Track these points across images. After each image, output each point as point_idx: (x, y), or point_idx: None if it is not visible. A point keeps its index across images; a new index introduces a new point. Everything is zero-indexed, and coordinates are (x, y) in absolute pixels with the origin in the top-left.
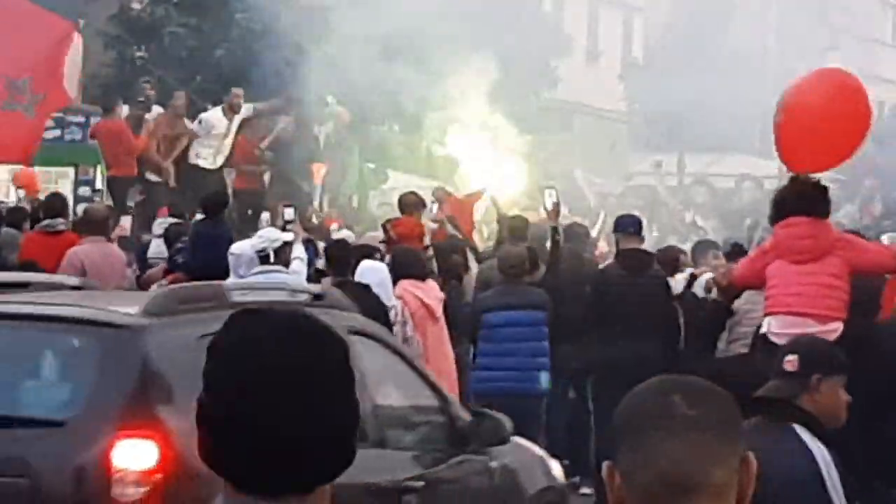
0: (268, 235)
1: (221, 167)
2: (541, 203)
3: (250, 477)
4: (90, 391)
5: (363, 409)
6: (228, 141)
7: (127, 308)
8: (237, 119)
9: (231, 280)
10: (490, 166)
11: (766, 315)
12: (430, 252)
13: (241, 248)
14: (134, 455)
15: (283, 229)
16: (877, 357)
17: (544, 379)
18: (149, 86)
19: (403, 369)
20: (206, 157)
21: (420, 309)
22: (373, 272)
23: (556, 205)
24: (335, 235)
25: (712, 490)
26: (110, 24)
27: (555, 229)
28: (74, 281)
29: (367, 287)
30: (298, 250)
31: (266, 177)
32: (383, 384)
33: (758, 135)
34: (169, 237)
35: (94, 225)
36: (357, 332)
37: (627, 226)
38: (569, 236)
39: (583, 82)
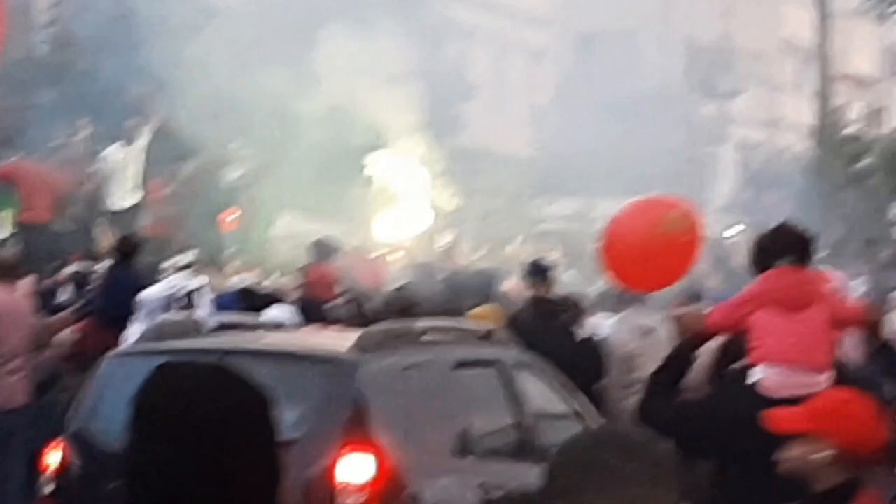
0: (178, 282)
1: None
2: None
3: None
4: (316, 413)
5: (529, 438)
6: (135, 172)
7: (342, 344)
8: (137, 147)
9: (137, 326)
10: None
11: (752, 364)
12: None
13: (150, 293)
14: (355, 468)
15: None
16: None
17: None
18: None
19: (563, 402)
20: (122, 196)
21: None
22: (278, 319)
23: (450, 245)
24: (240, 285)
25: None
26: (15, 69)
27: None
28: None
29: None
30: (205, 297)
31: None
32: (545, 416)
33: (670, 178)
34: (77, 281)
35: (3, 270)
36: (524, 366)
37: (537, 272)
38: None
39: (489, 127)
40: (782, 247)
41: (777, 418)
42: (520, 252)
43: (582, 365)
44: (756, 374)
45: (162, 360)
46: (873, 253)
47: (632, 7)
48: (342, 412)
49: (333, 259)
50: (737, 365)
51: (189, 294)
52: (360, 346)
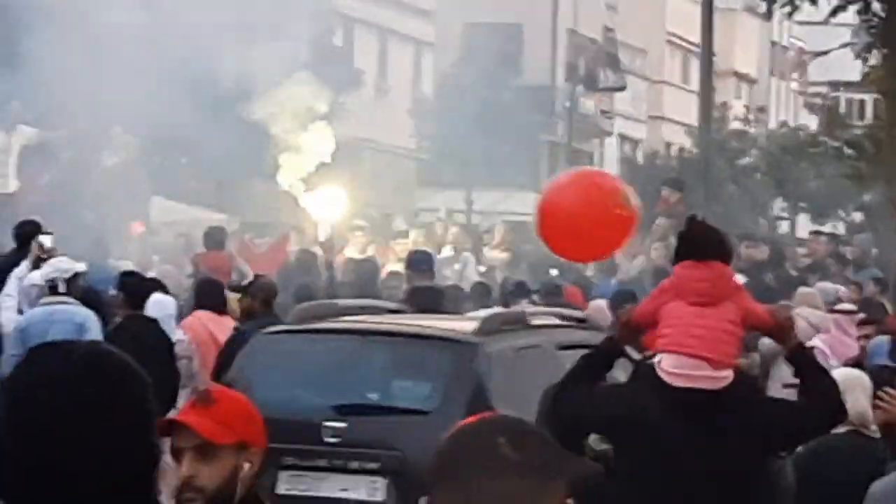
0: (58, 265)
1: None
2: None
3: None
4: (445, 388)
5: None
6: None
7: (465, 327)
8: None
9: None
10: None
11: (658, 352)
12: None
13: (32, 278)
14: None
15: (41, 259)
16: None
17: None
18: None
19: None
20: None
21: (208, 341)
22: (160, 306)
23: (329, 239)
24: (122, 267)
25: None
26: None
27: (328, 264)
28: (392, 305)
29: (154, 321)
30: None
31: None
32: None
33: (553, 171)
34: None
35: None
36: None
37: (418, 263)
38: (357, 274)
39: (372, 117)
40: (692, 242)
41: None
42: (404, 243)
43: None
44: (658, 362)
45: (308, 337)
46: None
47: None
48: (466, 388)
49: (224, 247)
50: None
51: (71, 278)
52: (481, 329)
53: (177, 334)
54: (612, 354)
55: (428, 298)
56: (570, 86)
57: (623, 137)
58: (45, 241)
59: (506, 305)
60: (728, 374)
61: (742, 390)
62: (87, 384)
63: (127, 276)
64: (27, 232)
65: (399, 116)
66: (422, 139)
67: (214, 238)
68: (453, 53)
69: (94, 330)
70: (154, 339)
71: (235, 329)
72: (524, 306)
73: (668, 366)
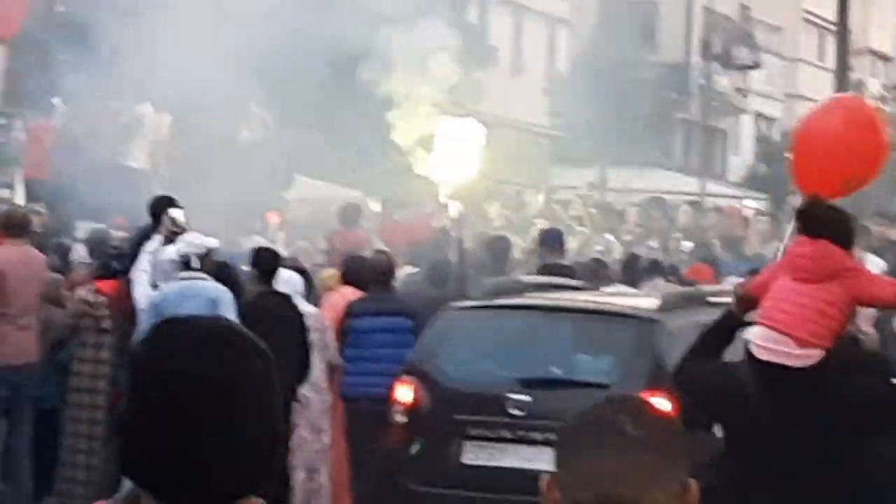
0: (192, 241)
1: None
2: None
3: (170, 489)
4: (626, 363)
5: None
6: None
7: (648, 304)
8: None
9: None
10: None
11: (754, 323)
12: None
13: (167, 253)
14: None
15: (174, 233)
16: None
17: None
18: None
19: None
20: (138, 157)
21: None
22: (289, 282)
23: (459, 216)
24: (250, 243)
25: None
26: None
27: (459, 241)
28: (575, 283)
29: (286, 296)
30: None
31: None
32: None
33: (687, 149)
34: (91, 242)
35: (13, 228)
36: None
37: (551, 240)
38: (493, 250)
39: (507, 95)
40: (805, 219)
41: None
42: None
43: None
44: (750, 333)
45: (495, 313)
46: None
47: None
48: (647, 363)
49: (360, 224)
50: None
51: (205, 254)
52: (663, 306)
53: (307, 308)
54: (732, 326)
55: (558, 275)
56: (705, 63)
57: (758, 115)
58: (177, 215)
59: (633, 283)
60: (814, 353)
61: (837, 370)
62: (211, 360)
63: (260, 251)
64: (161, 207)
65: (533, 94)
66: (556, 116)
67: (349, 215)
68: (588, 30)
69: (226, 306)
70: (286, 314)
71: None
72: (657, 283)
73: (756, 337)
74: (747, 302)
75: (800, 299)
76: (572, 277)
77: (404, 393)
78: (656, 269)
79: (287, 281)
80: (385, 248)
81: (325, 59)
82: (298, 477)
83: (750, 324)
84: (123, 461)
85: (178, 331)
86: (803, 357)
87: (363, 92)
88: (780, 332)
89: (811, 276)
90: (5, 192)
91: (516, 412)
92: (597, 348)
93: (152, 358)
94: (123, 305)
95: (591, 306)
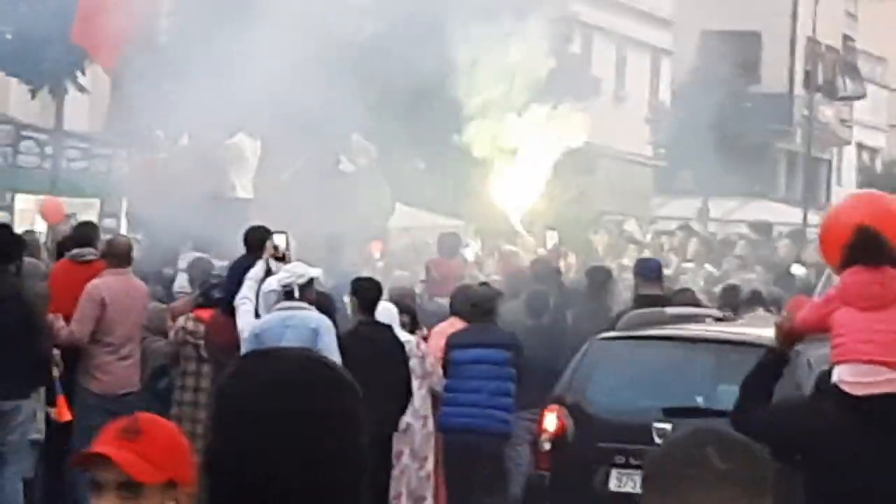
0: (294, 270)
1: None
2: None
3: None
4: None
5: None
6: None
7: None
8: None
9: (252, 315)
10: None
11: (835, 363)
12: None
13: (269, 283)
14: None
15: (277, 259)
16: None
17: (508, 419)
18: None
19: None
20: (244, 185)
21: None
22: (386, 313)
23: (556, 246)
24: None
25: None
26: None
27: (557, 271)
28: (717, 313)
29: (388, 326)
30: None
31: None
32: None
33: (788, 180)
34: (192, 272)
35: (117, 257)
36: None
37: (648, 271)
38: (590, 280)
39: (609, 125)
40: (862, 247)
41: None
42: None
43: None
44: (836, 374)
45: (639, 343)
46: None
47: (756, 6)
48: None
49: (458, 253)
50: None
51: (306, 284)
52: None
53: (405, 336)
54: (779, 365)
55: (654, 306)
56: (809, 94)
57: (861, 146)
58: (280, 241)
59: (735, 312)
60: None
61: None
62: (297, 392)
63: (361, 281)
64: (257, 237)
65: (636, 124)
66: (658, 146)
67: (447, 244)
68: (691, 61)
69: (327, 336)
70: (387, 344)
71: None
72: (758, 314)
73: (847, 375)
74: (794, 339)
75: (878, 326)
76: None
77: (551, 421)
78: (757, 299)
79: (384, 311)
80: (486, 280)
81: (414, 84)
82: None
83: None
84: (211, 494)
85: (263, 364)
86: None
87: (451, 111)
88: (873, 363)
89: (883, 303)
90: (112, 223)
91: (661, 441)
92: (738, 378)
93: (239, 391)
94: (220, 334)
95: (731, 337)
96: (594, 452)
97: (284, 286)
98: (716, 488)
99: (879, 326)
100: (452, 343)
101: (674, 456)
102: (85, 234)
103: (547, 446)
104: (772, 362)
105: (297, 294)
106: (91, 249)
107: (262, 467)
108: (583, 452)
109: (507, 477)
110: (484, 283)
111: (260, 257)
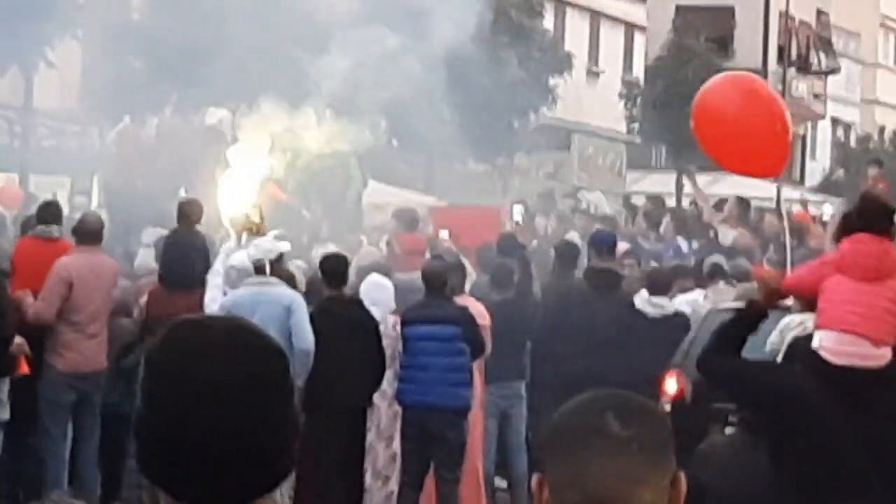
0: (264, 245)
1: None
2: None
3: (187, 490)
4: None
5: None
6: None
7: None
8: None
9: (222, 294)
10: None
11: (817, 329)
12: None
13: (241, 259)
14: None
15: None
16: None
17: (464, 394)
18: None
19: None
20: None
21: None
22: (379, 288)
23: (524, 220)
24: (324, 250)
25: None
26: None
27: (521, 245)
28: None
29: (357, 301)
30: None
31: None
32: None
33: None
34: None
35: (87, 234)
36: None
37: (601, 243)
38: (557, 255)
39: (582, 101)
40: (862, 217)
41: None
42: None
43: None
44: (818, 339)
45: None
46: None
47: None
48: None
49: (416, 228)
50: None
51: (275, 259)
52: None
53: (380, 314)
54: (756, 319)
55: (603, 280)
56: (783, 69)
57: (835, 121)
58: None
59: (701, 286)
60: (887, 353)
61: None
62: (226, 359)
63: (328, 256)
64: (192, 210)
65: (610, 100)
66: (632, 122)
67: (406, 219)
68: (664, 36)
69: (299, 312)
70: (357, 319)
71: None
72: (719, 286)
73: (829, 342)
74: (775, 293)
75: (866, 299)
76: (619, 283)
77: (671, 384)
78: (719, 272)
79: (377, 284)
80: (441, 254)
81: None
82: (370, 483)
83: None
84: (140, 461)
85: (191, 331)
86: (879, 357)
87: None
88: (856, 334)
89: (877, 275)
90: (83, 200)
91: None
92: None
93: (166, 358)
94: (159, 306)
95: None
96: (710, 412)
97: (255, 262)
98: (618, 455)
99: (869, 300)
100: (404, 319)
101: (573, 424)
102: (49, 212)
103: (667, 408)
104: (750, 316)
105: (268, 270)
106: (55, 227)
107: (191, 434)
108: (699, 412)
109: (464, 452)
110: (437, 257)
111: (193, 231)
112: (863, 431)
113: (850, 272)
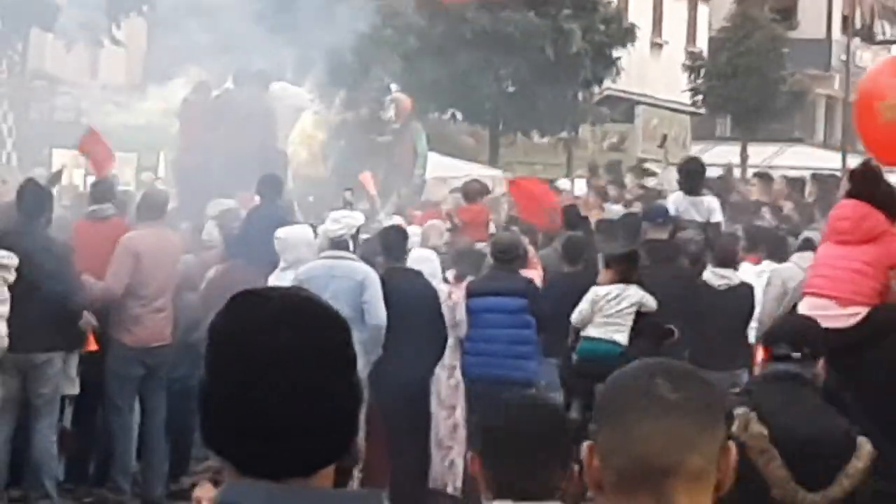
0: (346, 221)
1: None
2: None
3: (251, 460)
4: None
5: None
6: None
7: None
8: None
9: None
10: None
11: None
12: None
13: (319, 231)
14: None
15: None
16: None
17: (529, 367)
18: None
19: None
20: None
21: None
22: (424, 261)
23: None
24: (387, 221)
25: (689, 476)
26: None
27: (585, 218)
28: None
29: (418, 273)
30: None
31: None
32: None
33: (821, 127)
34: (221, 220)
35: (149, 210)
36: None
37: (655, 215)
38: (624, 226)
39: (646, 72)
40: (851, 182)
41: None
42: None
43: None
44: (799, 307)
45: None
46: None
47: None
48: None
49: (482, 199)
50: None
51: (355, 233)
52: None
53: (439, 286)
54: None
55: (661, 251)
56: (847, 39)
57: None
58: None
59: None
60: (860, 311)
61: (878, 326)
62: (289, 329)
63: (388, 229)
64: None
65: (673, 71)
66: (696, 94)
67: (471, 191)
68: (728, 7)
69: (373, 287)
70: (417, 291)
71: None
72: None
73: (803, 308)
74: None
75: (837, 262)
76: (675, 255)
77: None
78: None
79: (420, 257)
80: (511, 226)
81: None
82: (432, 452)
83: None
84: (204, 433)
85: (253, 302)
86: (849, 317)
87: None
88: (821, 296)
89: (851, 238)
90: (149, 176)
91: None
92: None
93: (229, 329)
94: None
95: None
96: None
97: (335, 238)
98: (664, 416)
99: (840, 263)
100: (470, 291)
101: (623, 387)
102: (100, 191)
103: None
104: None
105: (351, 246)
106: (108, 205)
107: (254, 404)
108: None
109: None
110: (507, 229)
111: (276, 204)
112: (843, 388)
113: (829, 236)
